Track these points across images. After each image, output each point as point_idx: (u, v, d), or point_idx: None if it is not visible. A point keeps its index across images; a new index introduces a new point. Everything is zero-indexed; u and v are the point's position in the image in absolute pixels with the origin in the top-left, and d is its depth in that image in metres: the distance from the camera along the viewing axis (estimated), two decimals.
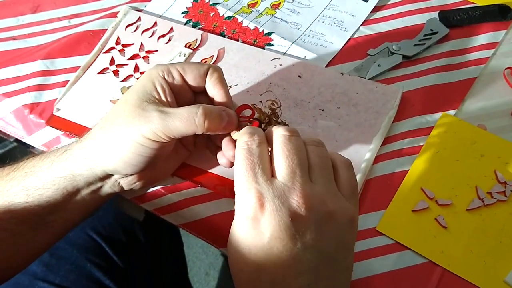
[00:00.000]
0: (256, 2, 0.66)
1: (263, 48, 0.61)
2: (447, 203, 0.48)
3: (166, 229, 0.76)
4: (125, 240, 0.67)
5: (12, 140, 0.62)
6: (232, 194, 0.49)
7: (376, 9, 0.63)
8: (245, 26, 0.63)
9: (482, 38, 0.59)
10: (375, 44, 0.60)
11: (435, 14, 0.61)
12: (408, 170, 0.51)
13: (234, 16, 0.64)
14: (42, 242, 0.49)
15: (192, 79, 0.45)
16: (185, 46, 0.61)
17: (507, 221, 0.47)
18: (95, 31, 0.64)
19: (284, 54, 0.60)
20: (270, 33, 0.62)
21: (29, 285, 0.61)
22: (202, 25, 0.64)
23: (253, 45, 0.61)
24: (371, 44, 0.60)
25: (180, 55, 0.60)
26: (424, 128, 0.53)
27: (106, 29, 0.64)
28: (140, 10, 0.66)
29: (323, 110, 0.54)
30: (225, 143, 0.44)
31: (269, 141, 0.39)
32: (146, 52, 0.61)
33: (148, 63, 0.61)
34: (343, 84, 0.56)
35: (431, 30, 0.60)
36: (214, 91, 0.45)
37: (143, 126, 0.41)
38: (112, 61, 0.61)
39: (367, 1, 0.64)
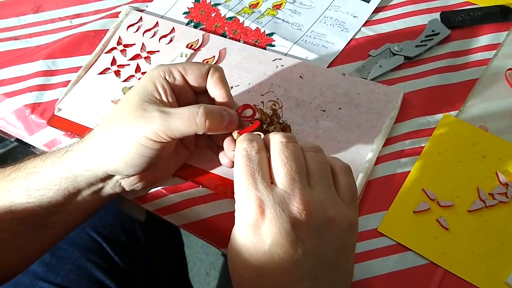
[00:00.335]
0: (258, 3, 0.66)
1: (265, 48, 0.61)
2: (449, 204, 0.48)
3: (167, 229, 0.76)
4: (125, 240, 0.67)
5: (13, 140, 0.62)
6: (233, 195, 0.49)
7: (377, 10, 0.63)
8: (247, 26, 0.63)
9: (483, 39, 0.59)
10: (377, 45, 0.60)
11: (436, 15, 0.61)
12: (410, 171, 0.51)
13: (235, 17, 0.64)
14: (43, 243, 0.49)
15: (193, 79, 0.45)
16: (187, 46, 0.61)
17: (509, 223, 0.47)
18: (97, 31, 0.64)
19: (286, 54, 0.60)
20: (271, 34, 0.62)
21: (30, 285, 0.61)
22: (204, 26, 0.64)
23: (255, 45, 0.61)
24: (372, 45, 0.60)
25: (181, 56, 0.60)
26: (426, 129, 0.53)
27: (108, 29, 0.64)
28: (142, 11, 0.66)
29: (324, 110, 0.54)
30: (226, 143, 0.44)
31: (267, 148, 0.39)
32: (147, 52, 0.61)
33: (150, 64, 0.61)
34: (345, 85, 0.56)
35: (433, 31, 0.59)
36: (215, 91, 0.45)
37: (144, 126, 0.41)
38: (113, 61, 0.61)
39: (368, 2, 0.64)
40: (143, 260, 0.69)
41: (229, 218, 0.49)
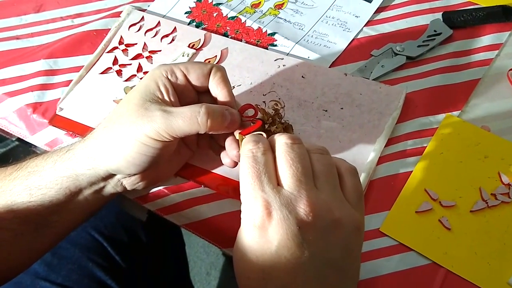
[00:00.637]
0: (260, 2, 0.66)
1: (267, 48, 0.61)
2: (451, 205, 0.48)
3: (168, 228, 0.75)
4: (127, 240, 0.67)
5: (14, 139, 0.62)
6: (235, 195, 0.50)
7: (379, 9, 0.63)
8: (249, 26, 0.63)
9: (486, 39, 0.59)
10: (379, 45, 0.60)
11: (438, 15, 0.61)
12: (412, 171, 0.51)
13: (237, 16, 0.64)
14: (44, 243, 0.48)
15: (195, 79, 0.45)
16: (189, 46, 0.61)
17: (511, 223, 0.47)
18: (98, 30, 0.64)
19: (288, 54, 0.60)
20: (273, 34, 0.62)
21: (31, 285, 0.61)
22: (206, 25, 0.64)
23: (257, 45, 0.61)
24: (374, 44, 0.60)
25: (183, 55, 0.60)
26: (428, 129, 0.53)
27: (109, 29, 0.64)
28: (143, 10, 0.66)
29: (326, 110, 0.54)
30: (228, 142, 0.44)
31: (272, 149, 0.38)
32: (149, 52, 0.61)
33: (151, 63, 0.60)
34: (347, 84, 0.56)
35: (435, 31, 0.59)
36: (217, 90, 0.45)
37: (146, 125, 0.41)
38: (115, 61, 0.61)
39: (370, 2, 0.64)
40: (144, 259, 0.69)
41: (231, 218, 0.49)
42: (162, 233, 0.74)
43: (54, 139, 0.57)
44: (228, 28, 0.63)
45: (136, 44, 0.62)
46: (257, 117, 0.45)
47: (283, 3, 0.65)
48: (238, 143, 0.44)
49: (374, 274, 0.46)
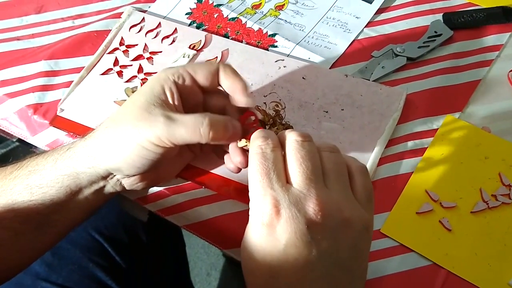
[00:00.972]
0: (260, 4, 0.66)
1: (267, 49, 0.61)
2: (452, 206, 0.48)
3: (168, 229, 0.75)
4: (127, 240, 0.67)
5: (14, 140, 0.62)
6: (236, 196, 0.50)
7: (380, 11, 0.63)
8: (249, 27, 0.63)
9: (486, 40, 0.59)
10: (379, 46, 0.60)
11: (439, 16, 0.61)
12: (413, 172, 0.51)
13: (238, 18, 0.64)
14: (45, 241, 0.48)
15: (203, 78, 0.45)
16: (189, 47, 0.61)
17: None
18: (99, 31, 0.64)
19: (288, 55, 0.60)
20: (274, 35, 0.62)
21: (32, 285, 0.61)
22: (206, 26, 0.64)
23: (257, 46, 0.61)
24: (375, 46, 0.60)
25: (184, 56, 0.60)
26: (429, 131, 0.53)
27: (110, 30, 0.64)
28: (144, 11, 0.66)
29: (327, 112, 0.54)
30: (232, 149, 0.44)
31: (281, 145, 0.38)
32: (150, 53, 0.61)
33: (152, 64, 0.61)
34: (347, 86, 0.56)
35: (435, 32, 0.59)
36: (231, 84, 0.44)
37: (148, 130, 0.41)
38: (116, 62, 0.61)
39: (371, 3, 0.64)
40: (144, 260, 0.69)
41: (232, 219, 0.49)
42: (162, 233, 0.74)
43: (55, 140, 0.57)
44: (228, 29, 0.64)
45: (137, 45, 0.62)
46: (258, 119, 0.45)
47: (284, 4, 0.65)
48: (241, 150, 0.44)
49: (375, 275, 0.46)
